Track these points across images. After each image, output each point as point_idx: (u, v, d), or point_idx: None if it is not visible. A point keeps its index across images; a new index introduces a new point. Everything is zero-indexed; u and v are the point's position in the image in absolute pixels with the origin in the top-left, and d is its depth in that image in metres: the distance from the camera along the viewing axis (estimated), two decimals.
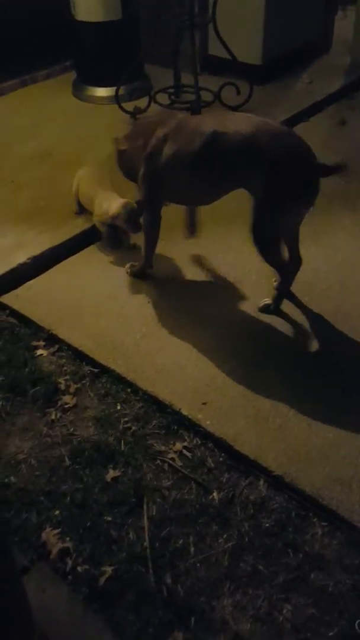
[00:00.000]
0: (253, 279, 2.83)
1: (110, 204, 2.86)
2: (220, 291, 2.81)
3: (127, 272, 2.88)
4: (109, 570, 1.80)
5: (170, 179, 2.51)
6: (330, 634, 1.65)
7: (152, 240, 2.76)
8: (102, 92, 4.39)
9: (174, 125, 2.46)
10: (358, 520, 1.84)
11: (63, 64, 4.82)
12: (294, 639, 1.64)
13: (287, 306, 2.68)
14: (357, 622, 1.64)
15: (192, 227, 3.00)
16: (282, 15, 4.35)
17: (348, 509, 1.87)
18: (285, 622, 1.68)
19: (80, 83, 4.51)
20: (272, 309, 2.64)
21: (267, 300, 2.66)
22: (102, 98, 4.38)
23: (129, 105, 4.13)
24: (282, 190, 2.26)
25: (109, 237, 2.95)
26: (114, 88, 4.10)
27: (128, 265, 2.90)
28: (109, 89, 4.28)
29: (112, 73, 4.19)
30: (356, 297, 2.72)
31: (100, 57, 4.31)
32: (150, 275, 2.87)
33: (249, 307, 2.70)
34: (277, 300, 2.65)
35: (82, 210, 3.15)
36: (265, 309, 2.65)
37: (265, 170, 2.24)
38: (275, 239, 2.45)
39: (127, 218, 2.80)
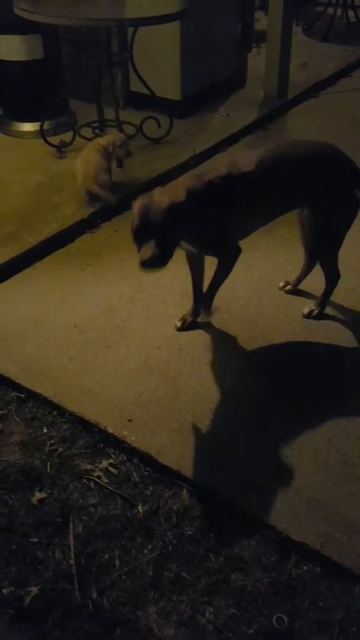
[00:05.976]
0: (176, 299, 2.94)
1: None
2: (145, 311, 2.89)
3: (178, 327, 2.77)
4: (34, 589, 1.81)
5: (235, 218, 2.45)
6: (250, 631, 1.71)
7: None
8: (27, 127, 4.48)
9: (225, 172, 2.35)
10: (273, 519, 1.93)
11: None
12: (216, 639, 1.70)
13: (211, 324, 2.80)
14: (274, 617, 1.71)
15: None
16: (197, 53, 4.59)
17: (263, 510, 1.96)
18: (207, 624, 1.73)
19: (6, 119, 4.59)
20: (317, 314, 2.79)
21: (312, 306, 2.80)
22: (28, 133, 4.46)
23: (55, 140, 4.24)
24: (345, 205, 2.52)
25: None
26: (39, 123, 4.21)
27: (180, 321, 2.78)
28: (34, 123, 4.37)
29: (37, 109, 4.29)
30: (270, 310, 2.87)
31: (25, 93, 4.43)
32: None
33: (172, 325, 2.79)
34: (323, 305, 2.80)
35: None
36: (309, 315, 2.80)
37: (329, 188, 2.47)
38: (338, 249, 2.67)
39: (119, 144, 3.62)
